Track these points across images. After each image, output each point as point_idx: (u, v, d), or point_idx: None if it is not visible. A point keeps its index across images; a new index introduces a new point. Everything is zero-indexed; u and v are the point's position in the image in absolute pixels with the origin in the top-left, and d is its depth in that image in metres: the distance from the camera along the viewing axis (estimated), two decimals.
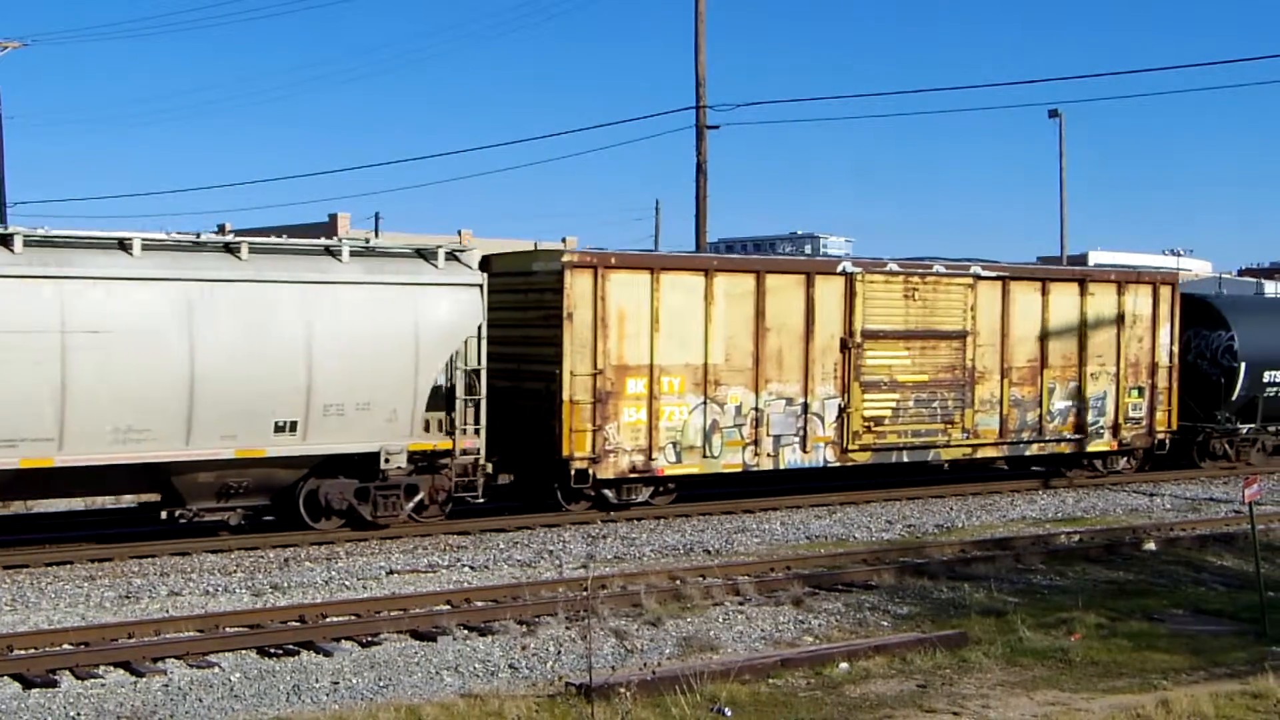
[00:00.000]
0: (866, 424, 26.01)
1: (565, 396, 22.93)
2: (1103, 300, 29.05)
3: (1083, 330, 28.67)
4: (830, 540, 22.49)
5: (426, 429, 21.64)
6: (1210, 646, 15.16)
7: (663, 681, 12.65)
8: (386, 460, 21.09)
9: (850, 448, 25.87)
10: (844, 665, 14.00)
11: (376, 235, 78.87)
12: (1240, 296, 34.60)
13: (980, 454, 27.84)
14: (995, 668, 14.16)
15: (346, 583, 18.58)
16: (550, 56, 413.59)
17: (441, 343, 21.52)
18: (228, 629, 15.54)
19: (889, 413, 26.28)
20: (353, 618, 16.14)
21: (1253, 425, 32.19)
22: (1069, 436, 28.76)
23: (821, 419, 25.57)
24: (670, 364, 23.92)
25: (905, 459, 26.82)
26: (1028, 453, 28.51)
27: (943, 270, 26.86)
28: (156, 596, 17.60)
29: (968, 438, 27.27)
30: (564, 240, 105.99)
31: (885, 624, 16.42)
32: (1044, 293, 28.14)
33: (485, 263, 23.85)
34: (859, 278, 25.83)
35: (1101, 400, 29.01)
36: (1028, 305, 27.97)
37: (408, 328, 21.08)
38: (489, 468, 22.93)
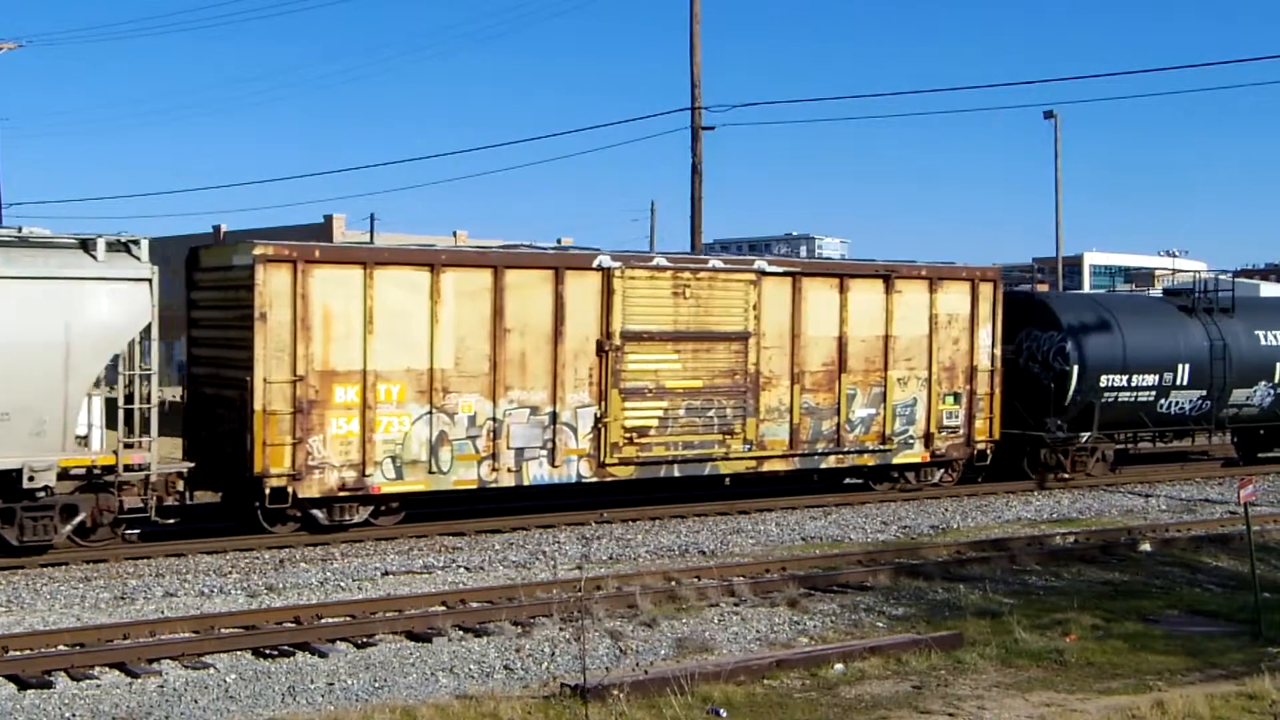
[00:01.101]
0: (628, 435, 23.58)
1: (258, 406, 20.58)
2: (912, 298, 26.67)
3: (889, 331, 26.32)
4: (826, 541, 22.49)
5: (85, 442, 19.39)
6: (1206, 647, 15.17)
7: (657, 682, 12.66)
8: (30, 479, 18.61)
9: (609, 461, 23.41)
10: (839, 666, 14.00)
11: (372, 236, 78.84)
12: (1076, 294, 32.33)
13: (767, 467, 25.38)
14: (990, 669, 14.16)
15: (341, 584, 18.57)
16: (547, 57, 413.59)
17: (100, 345, 19.19)
18: (223, 630, 15.53)
19: (655, 423, 23.83)
20: (348, 619, 16.13)
21: (1089, 434, 29.63)
22: (873, 447, 26.38)
23: (574, 430, 23.12)
24: (388, 369, 21.54)
25: (677, 473, 24.34)
26: (824, 465, 26.09)
27: (720, 265, 24.73)
28: (152, 598, 17.59)
29: (751, 449, 24.83)
30: (559, 240, 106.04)
31: (880, 625, 16.42)
32: (842, 290, 25.76)
33: (194, 256, 22.72)
34: (618, 273, 23.37)
35: (911, 408, 26.71)
36: (823, 304, 25.60)
37: (56, 328, 18.77)
38: (179, 484, 20.78)
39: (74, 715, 12.54)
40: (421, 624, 15.90)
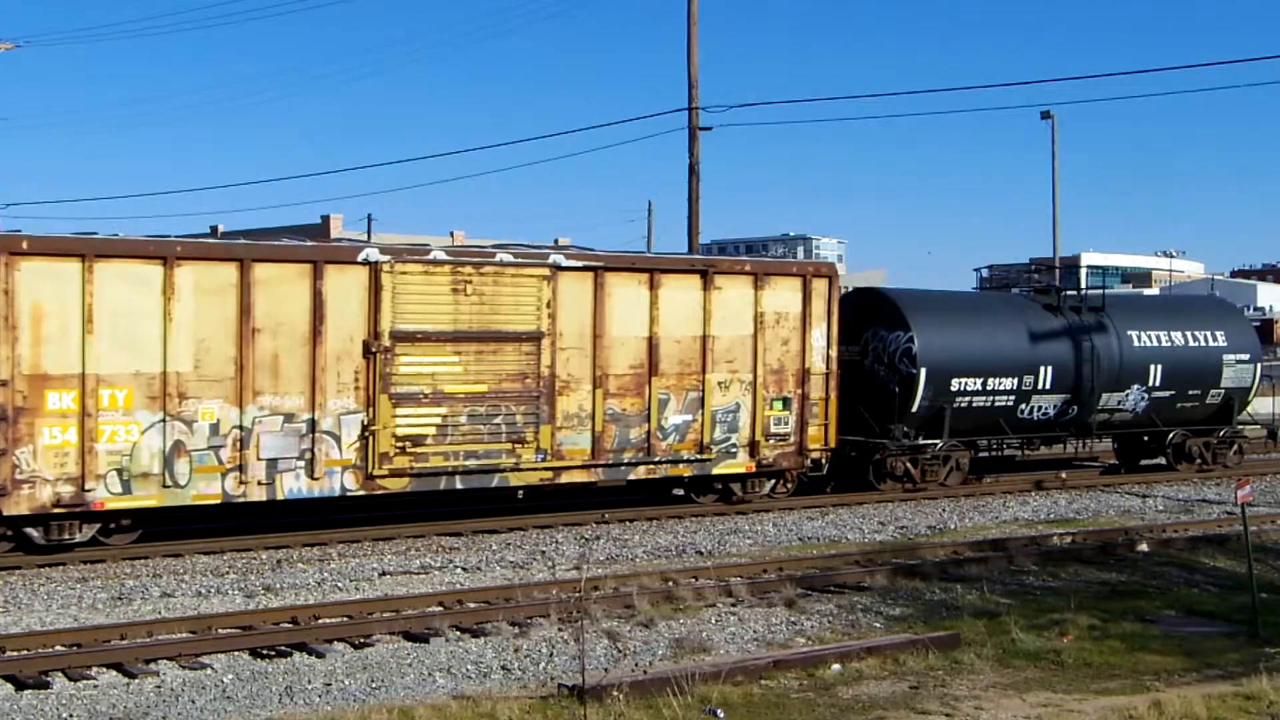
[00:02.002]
0: (400, 444, 21.63)
1: None
2: (734, 295, 24.75)
3: (707, 331, 24.39)
4: (823, 541, 22.50)
5: None
6: (1203, 648, 15.18)
7: (655, 683, 12.66)
8: None
9: (378, 473, 21.46)
10: (836, 666, 14.00)
11: (369, 236, 78.86)
12: (926, 292, 30.44)
13: (566, 479, 23.35)
14: (988, 669, 14.17)
15: (339, 584, 18.57)
16: (544, 58, 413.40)
17: None
18: (220, 630, 15.53)
19: (432, 431, 21.87)
20: (345, 619, 16.13)
21: (938, 441, 27.82)
22: (689, 457, 24.40)
23: (337, 439, 21.17)
24: (112, 373, 19.59)
25: (459, 485, 22.36)
26: (632, 476, 24.04)
27: (508, 259, 22.59)
28: (149, 598, 17.58)
29: (545, 459, 22.84)
30: (556, 241, 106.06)
31: (878, 625, 16.42)
32: (653, 286, 23.81)
33: None
34: (387, 268, 21.49)
35: (733, 414, 24.80)
36: (631, 301, 23.68)
37: None
38: None
39: (71, 715, 12.54)
40: (419, 624, 15.89)
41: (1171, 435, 31.65)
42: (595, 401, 23.33)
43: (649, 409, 23.89)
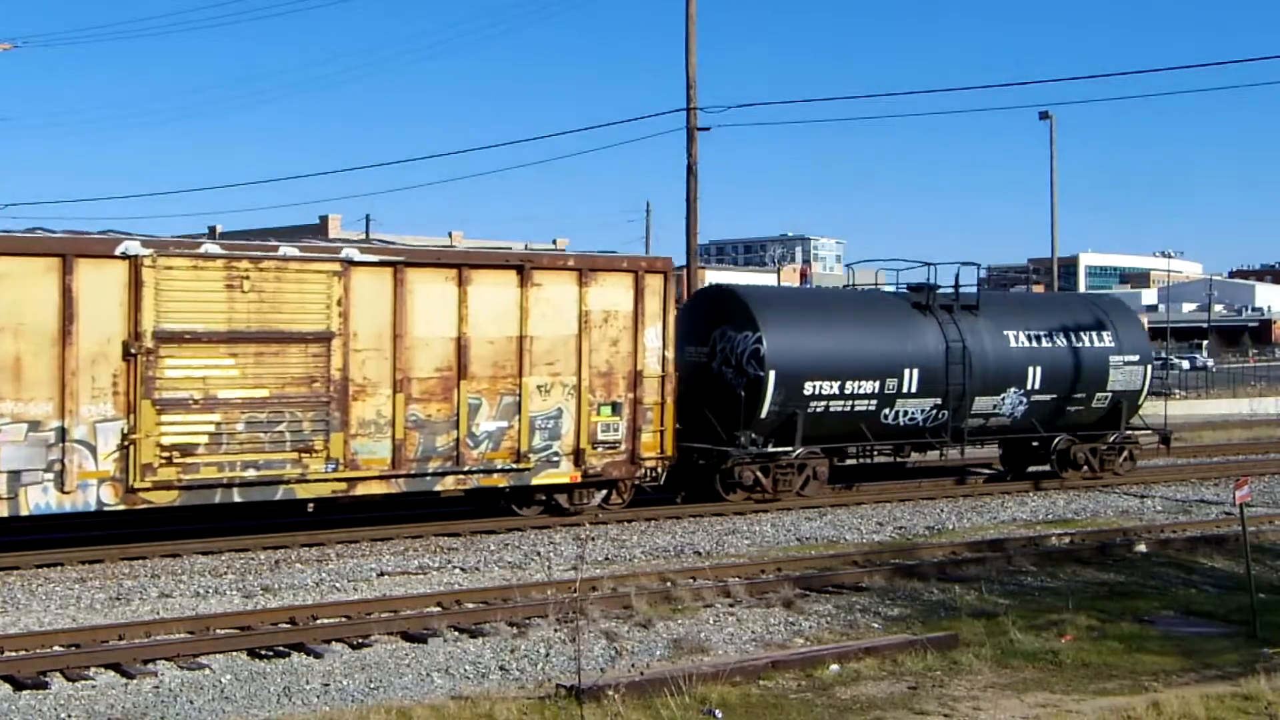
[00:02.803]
0: (167, 454, 19.93)
1: None
2: (555, 293, 23.13)
3: (525, 331, 22.80)
4: (821, 542, 22.50)
5: None
6: (1201, 648, 15.18)
7: (653, 683, 12.65)
8: None
9: (140, 485, 19.74)
10: (835, 667, 14.00)
11: (368, 237, 78.82)
12: (779, 289, 28.44)
13: (362, 490, 21.70)
14: (986, 669, 14.16)
15: (337, 584, 18.58)
16: (543, 58, 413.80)
17: None
18: (218, 631, 15.53)
19: (205, 439, 20.16)
20: (343, 619, 16.12)
21: (792, 449, 25.97)
22: (504, 466, 22.73)
23: (92, 449, 19.47)
24: None
25: (237, 498, 20.65)
26: (439, 487, 22.40)
27: (292, 253, 20.95)
28: (147, 598, 17.58)
29: (338, 469, 21.21)
30: (554, 242, 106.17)
31: (876, 626, 16.42)
32: (462, 283, 22.24)
33: None
34: (149, 262, 19.78)
35: (555, 419, 23.13)
36: (436, 299, 22.12)
37: None
38: None
39: (70, 716, 12.53)
40: (417, 625, 15.89)
41: (1056, 441, 29.84)
42: (396, 407, 21.68)
43: (458, 415, 22.23)
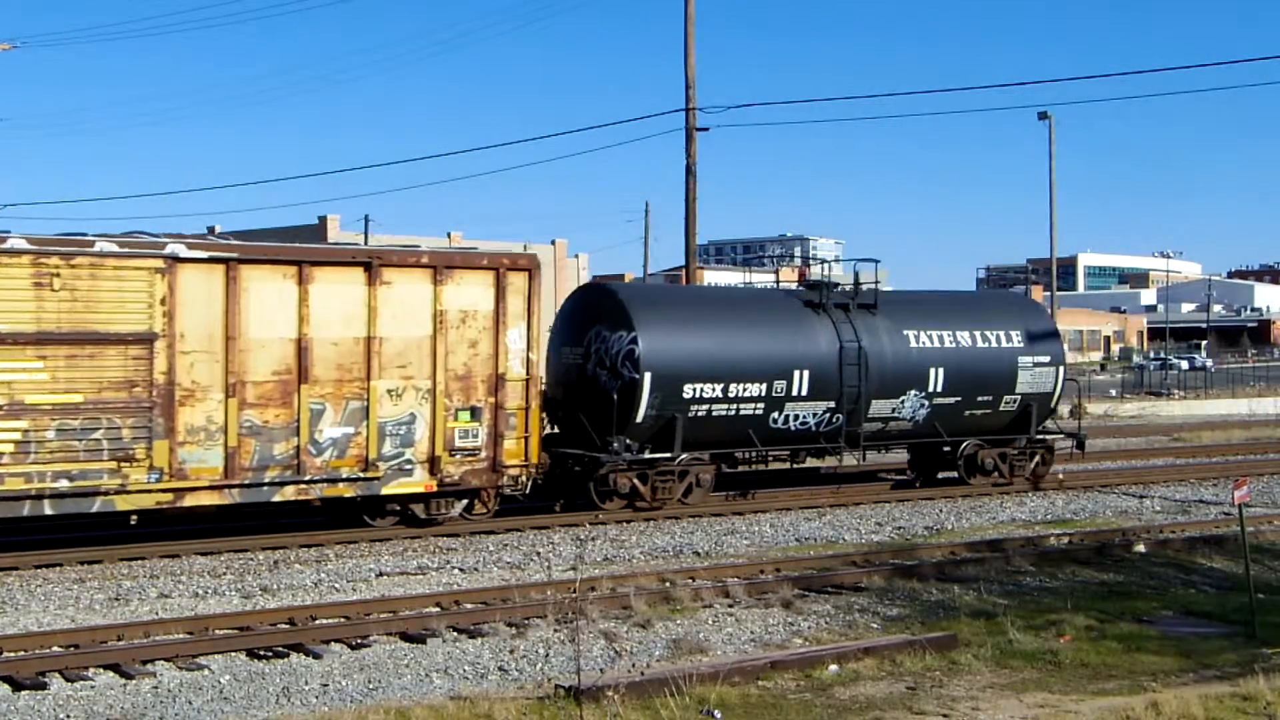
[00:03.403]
0: None
1: None
2: (407, 292, 21.97)
3: (373, 332, 21.61)
4: (820, 542, 22.50)
5: None
6: (1200, 648, 15.18)
7: (652, 683, 12.65)
8: None
9: None
10: (833, 667, 14.00)
11: (366, 236, 78.85)
12: (659, 287, 27.03)
13: (191, 501, 20.43)
14: (985, 670, 14.17)
15: (336, 585, 18.57)
16: (542, 59, 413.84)
17: None
18: (217, 631, 15.52)
19: (10, 448, 19.02)
20: (342, 620, 16.12)
21: (670, 455, 24.74)
22: (351, 475, 21.53)
23: None
24: None
25: (49, 510, 19.49)
26: (278, 497, 21.10)
27: (110, 249, 19.72)
28: (146, 599, 17.58)
29: (162, 479, 19.96)
30: (553, 242, 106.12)
31: (875, 626, 16.42)
32: (303, 281, 21.00)
33: None
34: None
35: (408, 425, 21.93)
36: (274, 298, 20.87)
37: None
38: None
39: (68, 716, 12.54)
40: (416, 625, 15.89)
41: (963, 446, 28.52)
42: (229, 413, 20.43)
43: (299, 421, 21.02)
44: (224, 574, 19.29)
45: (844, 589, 18.44)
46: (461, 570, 19.71)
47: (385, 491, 22.05)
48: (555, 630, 15.52)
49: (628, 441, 24.33)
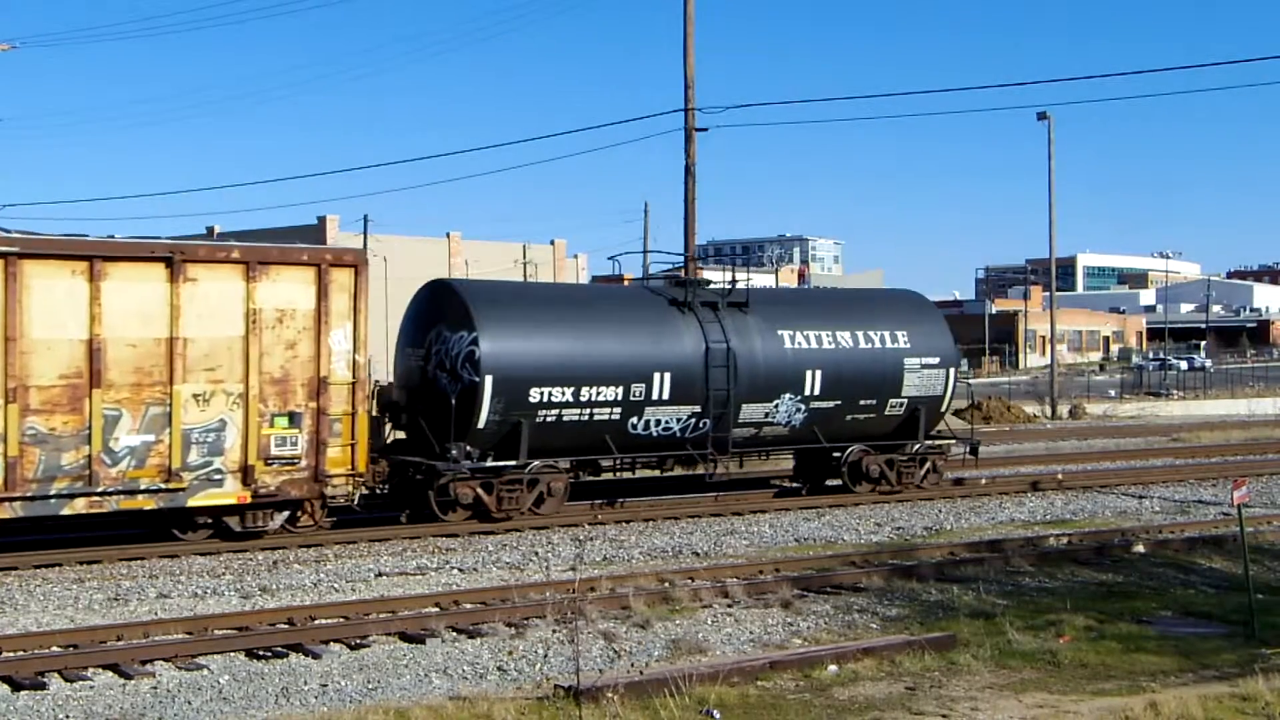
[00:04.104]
0: None
1: None
2: (215, 288, 20.49)
3: (177, 332, 20.13)
4: (819, 543, 22.50)
5: None
6: (1199, 649, 15.18)
7: (651, 683, 12.65)
8: None
9: None
10: (833, 667, 14.00)
11: (366, 237, 78.87)
12: (505, 284, 25.92)
13: None
14: (984, 670, 14.17)
15: (335, 585, 18.57)
16: (542, 59, 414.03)
17: None
18: (216, 631, 15.52)
19: None
20: (341, 620, 16.12)
21: (516, 462, 23.32)
22: (152, 486, 20.02)
23: None
24: None
25: None
26: (67, 510, 19.64)
27: None
28: (145, 599, 17.58)
29: None
30: (552, 242, 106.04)
31: (874, 626, 16.42)
32: (95, 277, 19.56)
33: None
34: None
35: (217, 432, 20.47)
36: (61, 296, 19.45)
37: None
38: None
39: (67, 716, 12.53)
40: (415, 625, 15.89)
41: (848, 452, 27.09)
42: (8, 420, 19.04)
43: (90, 428, 19.56)
44: (223, 574, 19.29)
45: (843, 589, 18.44)
46: (460, 570, 19.71)
47: (192, 503, 20.57)
48: (554, 630, 15.51)
49: (468, 449, 22.96)
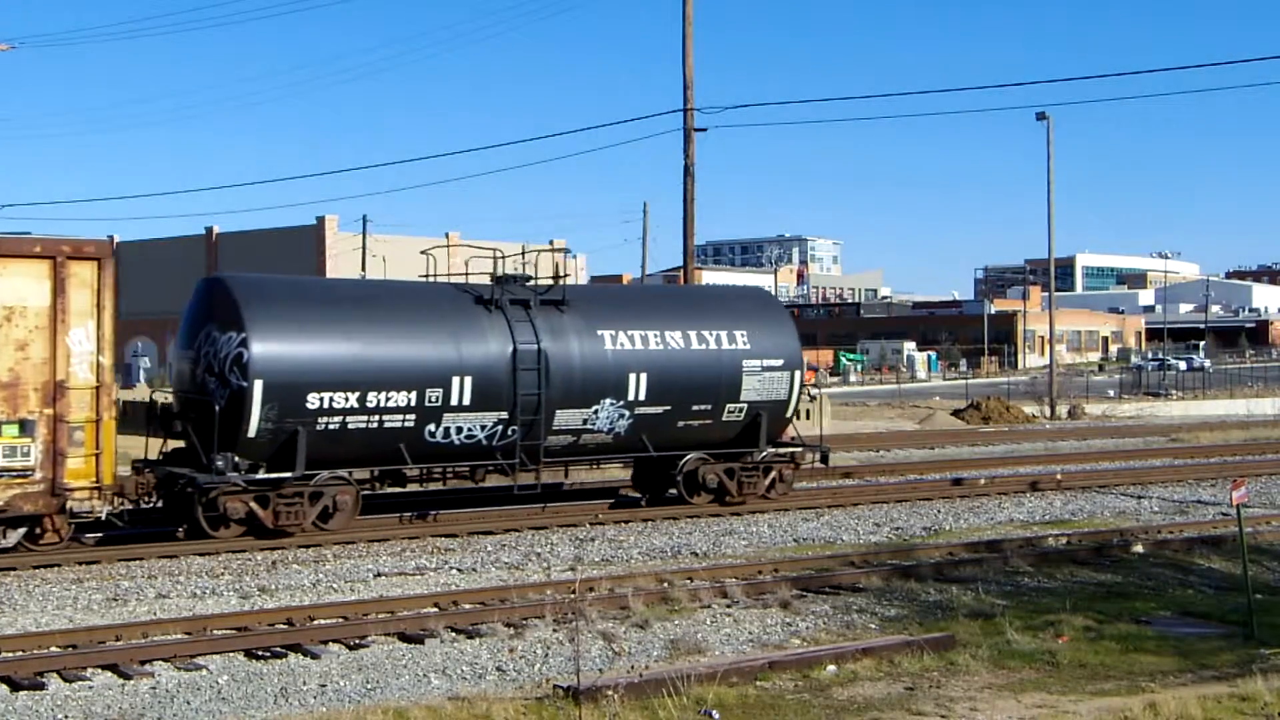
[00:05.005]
0: None
1: None
2: None
3: None
4: (818, 543, 22.50)
5: None
6: (1198, 649, 15.18)
7: (650, 684, 12.65)
8: None
9: None
10: (831, 668, 14.00)
11: (365, 237, 78.86)
12: (279, 279, 23.90)
13: None
14: (983, 670, 14.16)
15: (334, 585, 18.57)
16: (541, 59, 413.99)
17: None
18: (215, 631, 15.52)
19: None
20: (340, 620, 16.12)
21: (295, 475, 21.40)
22: None
23: None
24: None
25: None
26: None
27: None
28: (144, 599, 17.58)
29: None
30: (551, 242, 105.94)
31: (873, 626, 16.42)
32: None
33: None
34: None
35: None
36: None
37: None
38: None
39: (66, 717, 12.53)
40: (414, 625, 15.89)
41: (683, 461, 25.28)
42: None
43: None
44: (222, 574, 19.29)
45: (842, 589, 18.44)
46: (460, 571, 19.71)
47: None
48: (554, 631, 15.53)
49: (235, 459, 21.15)
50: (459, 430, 22.85)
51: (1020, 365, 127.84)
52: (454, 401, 22.59)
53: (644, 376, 24.30)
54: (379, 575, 19.35)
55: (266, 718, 12.58)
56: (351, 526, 22.49)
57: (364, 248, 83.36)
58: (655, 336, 24.68)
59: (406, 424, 22.31)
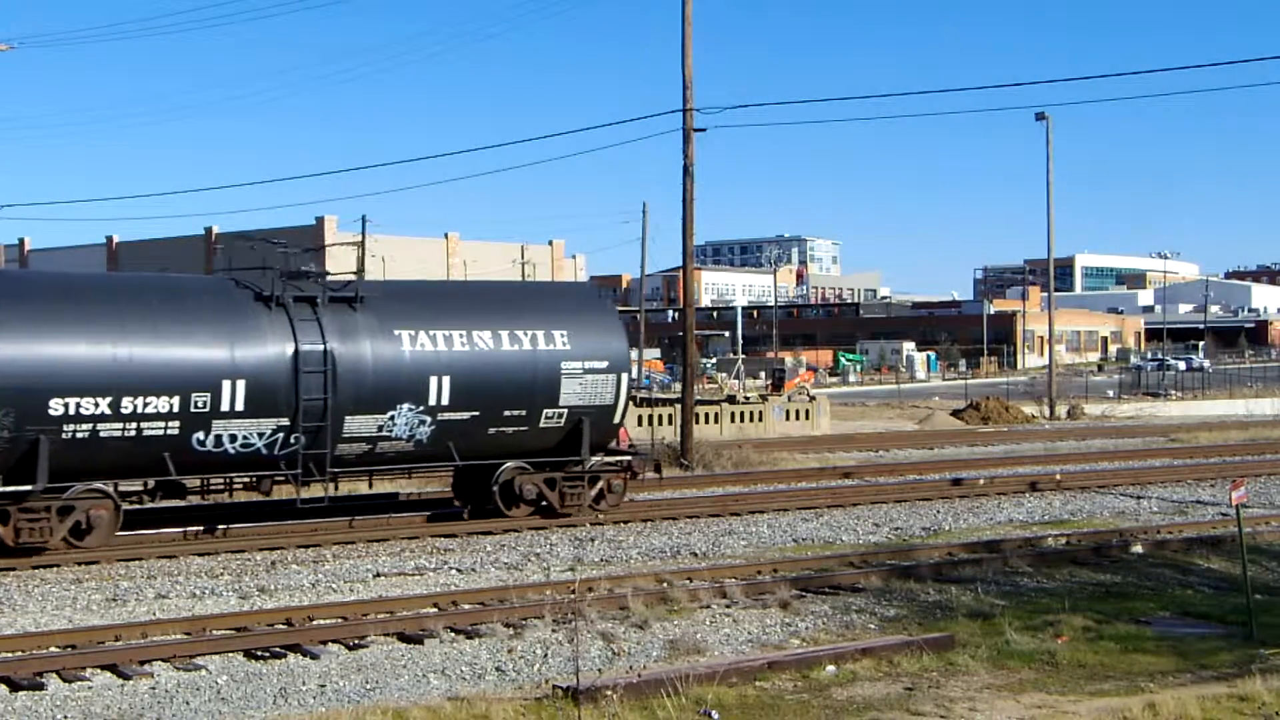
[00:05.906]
0: None
1: None
2: None
3: None
4: (817, 543, 22.50)
5: None
6: (1197, 649, 15.18)
7: (649, 684, 12.65)
8: None
9: None
10: (831, 668, 14.00)
11: (364, 237, 78.79)
12: (19, 272, 21.56)
13: None
14: (982, 670, 14.17)
15: (333, 585, 18.57)
16: (540, 60, 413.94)
17: None
18: (215, 631, 15.52)
19: None
20: (340, 620, 16.12)
21: (37, 487, 19.61)
22: None
23: None
24: None
25: None
26: None
27: None
28: (143, 599, 17.58)
29: None
30: (550, 243, 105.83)
31: (872, 627, 16.42)
32: None
33: None
34: None
35: None
36: None
37: None
38: None
39: (66, 717, 12.53)
40: (413, 625, 15.89)
41: (499, 471, 23.47)
42: None
43: None
44: (221, 574, 19.28)
45: (841, 590, 18.43)
46: (459, 571, 19.70)
47: None
48: (553, 631, 15.52)
49: None
50: (233, 438, 21.08)
51: (1019, 365, 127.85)
52: (225, 407, 20.88)
53: (446, 380, 22.61)
54: (378, 575, 19.35)
55: (266, 718, 12.58)
56: (351, 526, 22.48)
57: (363, 248, 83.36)
58: (461, 337, 22.98)
59: (170, 432, 20.55)
